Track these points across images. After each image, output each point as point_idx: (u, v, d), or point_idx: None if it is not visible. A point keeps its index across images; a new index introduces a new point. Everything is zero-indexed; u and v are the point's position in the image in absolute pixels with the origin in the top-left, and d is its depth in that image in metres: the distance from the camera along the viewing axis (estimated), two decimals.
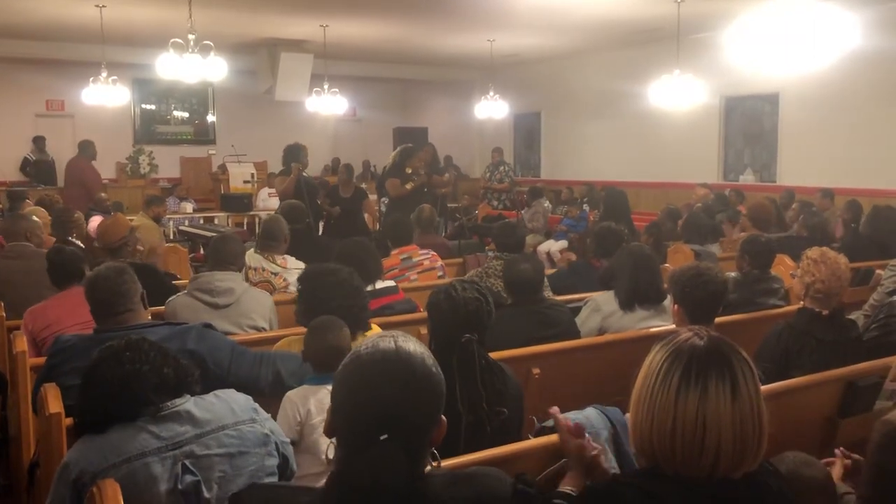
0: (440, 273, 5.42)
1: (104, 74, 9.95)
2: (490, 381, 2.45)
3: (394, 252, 5.40)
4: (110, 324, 2.81)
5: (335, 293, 2.94)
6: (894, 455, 2.07)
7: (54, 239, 5.69)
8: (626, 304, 3.82)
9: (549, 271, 5.16)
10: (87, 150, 10.30)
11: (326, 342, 2.58)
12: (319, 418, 2.41)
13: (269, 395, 2.68)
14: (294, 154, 7.73)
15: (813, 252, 3.48)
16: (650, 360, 1.63)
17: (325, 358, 2.56)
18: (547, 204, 11.81)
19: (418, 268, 5.34)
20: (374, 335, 1.46)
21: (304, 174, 7.86)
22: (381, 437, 1.31)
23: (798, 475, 2.08)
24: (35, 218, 5.41)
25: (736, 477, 1.55)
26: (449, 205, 9.86)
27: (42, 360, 3.31)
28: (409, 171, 8.11)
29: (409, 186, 8.05)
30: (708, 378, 1.54)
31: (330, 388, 2.43)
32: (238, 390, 2.18)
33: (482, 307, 2.55)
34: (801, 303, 3.50)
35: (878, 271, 5.32)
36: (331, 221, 8.25)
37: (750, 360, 1.61)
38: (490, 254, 5.30)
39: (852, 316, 3.93)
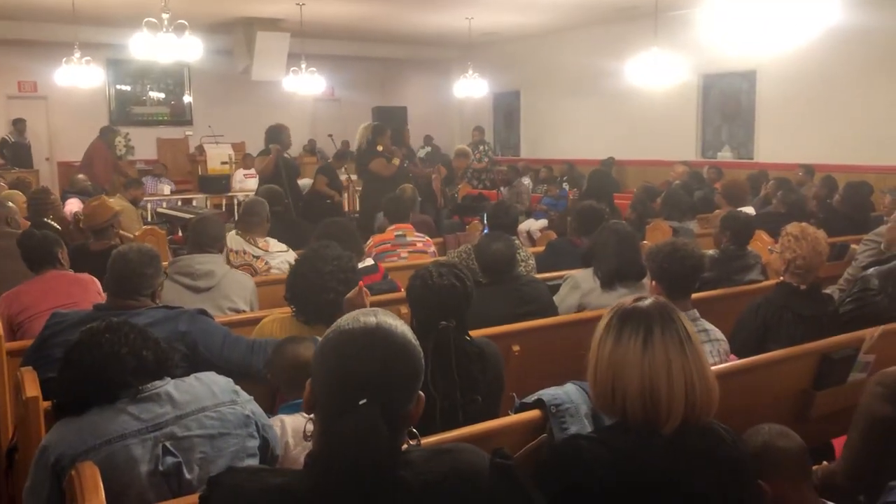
0: (431, 259, 5.44)
1: (77, 55, 9.77)
2: (467, 368, 2.43)
3: (389, 228, 5.43)
4: (114, 303, 2.83)
5: (334, 277, 2.94)
6: (886, 403, 2.14)
7: (29, 222, 5.63)
8: (608, 282, 3.83)
9: (531, 250, 5.19)
10: (105, 135, 10.75)
11: (301, 358, 2.47)
12: (298, 449, 2.35)
13: (260, 382, 2.68)
14: (275, 135, 7.68)
15: (793, 228, 3.51)
16: (600, 323, 1.80)
17: (297, 375, 2.42)
18: (527, 182, 11.83)
19: (410, 247, 5.37)
20: (356, 311, 1.50)
21: (285, 155, 7.80)
22: (360, 402, 1.35)
23: (774, 446, 2.12)
24: (10, 204, 5.36)
25: (691, 428, 1.67)
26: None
27: (18, 343, 3.30)
28: (380, 148, 8.07)
29: (395, 162, 8.04)
30: (650, 331, 1.70)
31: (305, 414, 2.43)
32: (230, 376, 2.19)
33: (458, 293, 2.52)
34: (781, 278, 3.53)
35: (852, 246, 5.39)
36: (313, 204, 8.22)
37: (689, 323, 1.77)
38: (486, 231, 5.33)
39: (828, 290, 3.98)
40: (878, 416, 2.16)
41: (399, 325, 1.46)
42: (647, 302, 1.76)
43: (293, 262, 4.63)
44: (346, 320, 1.46)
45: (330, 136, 14.03)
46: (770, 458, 2.09)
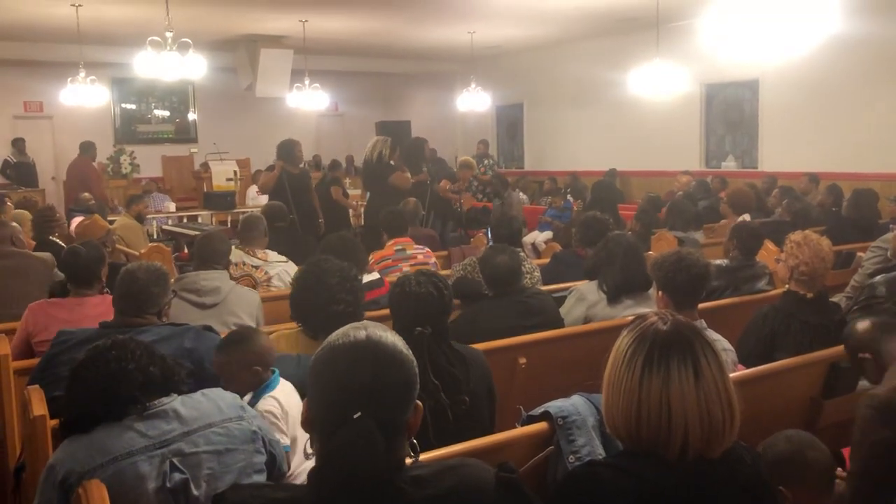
0: (433, 270, 5.44)
1: (82, 74, 9.86)
2: (447, 370, 2.47)
3: (388, 243, 5.43)
4: (120, 321, 2.84)
5: (342, 288, 2.94)
6: (881, 426, 2.11)
7: (34, 242, 5.65)
8: (614, 296, 3.81)
9: (536, 262, 5.18)
10: (88, 150, 10.61)
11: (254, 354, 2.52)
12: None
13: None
14: (287, 151, 7.70)
15: (796, 235, 3.52)
16: (618, 343, 1.68)
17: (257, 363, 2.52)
18: (523, 196, 11.84)
19: (412, 260, 5.36)
20: (347, 326, 1.50)
21: (293, 170, 7.80)
22: (355, 416, 1.36)
23: (803, 456, 2.10)
24: (14, 224, 5.37)
25: (712, 456, 1.58)
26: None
27: (26, 362, 3.30)
28: (392, 163, 8.09)
29: (413, 179, 8.07)
30: (670, 362, 1.58)
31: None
32: None
33: (433, 301, 2.58)
34: (787, 286, 3.53)
35: (858, 254, 5.37)
36: (338, 216, 8.26)
37: (713, 344, 1.64)
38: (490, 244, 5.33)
39: (835, 298, 3.97)
40: (876, 440, 2.13)
41: (389, 336, 1.47)
42: (667, 325, 1.64)
43: (293, 273, 4.68)
44: (337, 336, 1.47)
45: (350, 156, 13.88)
46: (798, 467, 2.07)
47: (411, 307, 2.57)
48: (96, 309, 3.61)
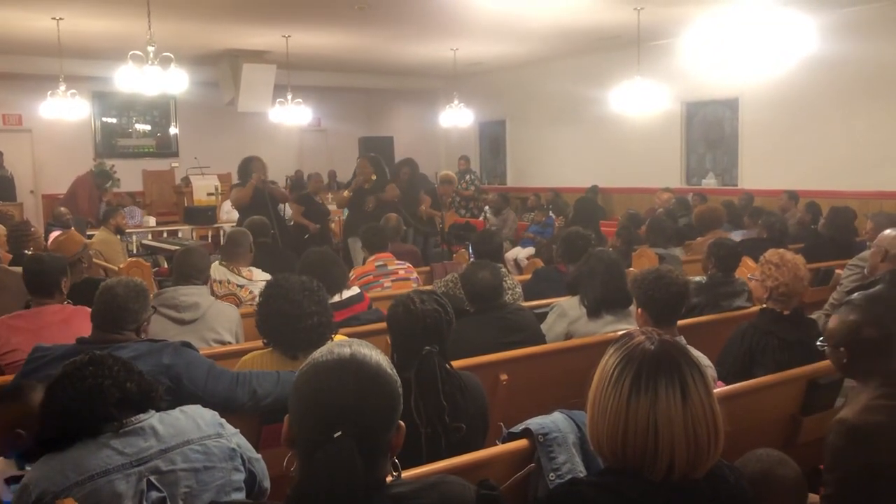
0: (415, 285, 5.43)
1: (62, 88, 9.81)
2: (451, 393, 2.43)
3: (369, 259, 5.42)
4: (98, 337, 2.81)
5: (311, 301, 2.91)
6: (855, 452, 2.11)
7: (10, 255, 5.59)
8: (594, 311, 3.82)
9: (518, 278, 5.19)
10: (97, 175, 11.01)
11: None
12: None
13: (247, 411, 2.69)
14: (244, 168, 7.68)
15: (771, 255, 3.53)
16: (604, 362, 1.66)
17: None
18: (512, 214, 11.91)
19: (393, 276, 5.36)
20: (330, 343, 1.50)
21: (270, 183, 7.80)
22: (335, 435, 1.35)
23: (773, 474, 2.10)
24: None
25: (696, 476, 1.57)
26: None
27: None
28: (360, 179, 8.13)
29: (346, 194, 8.11)
30: (658, 383, 1.57)
31: None
32: (215, 409, 2.17)
33: (441, 318, 2.54)
34: (764, 304, 3.55)
35: (837, 271, 5.42)
36: (305, 236, 8.24)
37: (699, 364, 1.63)
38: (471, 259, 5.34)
39: (813, 316, 4.00)
40: (852, 468, 2.12)
41: (374, 354, 1.47)
42: (655, 346, 1.63)
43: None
44: (321, 353, 1.46)
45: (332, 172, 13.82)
46: (768, 485, 2.07)
47: (417, 326, 2.51)
48: (56, 316, 3.61)
